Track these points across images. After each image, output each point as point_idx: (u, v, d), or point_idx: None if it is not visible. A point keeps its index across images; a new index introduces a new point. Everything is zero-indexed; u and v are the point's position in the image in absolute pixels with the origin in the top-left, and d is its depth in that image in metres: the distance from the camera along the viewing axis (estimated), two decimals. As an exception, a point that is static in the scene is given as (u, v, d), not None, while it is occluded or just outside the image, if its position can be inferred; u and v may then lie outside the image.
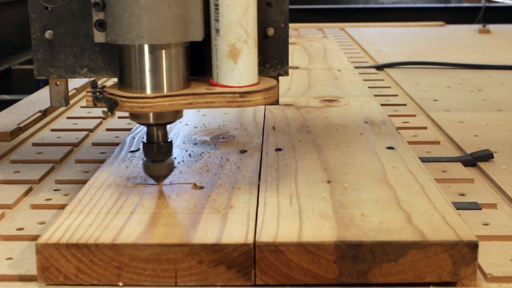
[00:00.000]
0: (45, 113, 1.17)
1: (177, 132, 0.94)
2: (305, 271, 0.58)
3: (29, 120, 1.10)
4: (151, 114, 0.68)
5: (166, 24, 0.64)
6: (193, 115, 1.03)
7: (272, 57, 0.73)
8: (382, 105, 1.15)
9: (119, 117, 1.16)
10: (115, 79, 0.69)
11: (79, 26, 0.70)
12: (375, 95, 1.23)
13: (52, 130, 1.09)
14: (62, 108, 1.23)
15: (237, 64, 0.66)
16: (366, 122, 0.97)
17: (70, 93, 1.31)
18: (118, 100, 0.65)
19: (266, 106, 1.10)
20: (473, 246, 0.58)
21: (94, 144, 1.00)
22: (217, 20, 0.65)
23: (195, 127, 0.96)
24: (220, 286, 0.59)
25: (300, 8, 2.89)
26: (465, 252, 0.58)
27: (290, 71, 1.44)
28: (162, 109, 0.66)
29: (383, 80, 1.48)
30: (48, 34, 0.70)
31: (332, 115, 1.03)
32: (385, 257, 0.58)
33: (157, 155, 0.70)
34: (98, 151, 0.96)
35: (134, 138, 0.90)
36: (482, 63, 1.66)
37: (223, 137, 0.91)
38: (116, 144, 0.97)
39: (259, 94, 0.66)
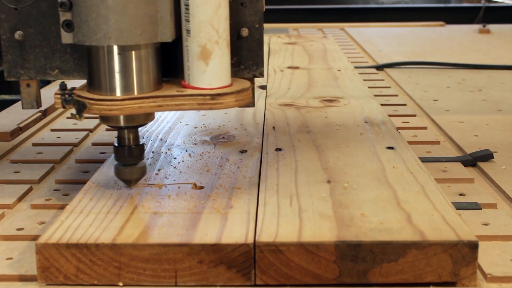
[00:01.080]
0: (45, 113, 1.17)
1: (177, 132, 0.94)
2: (305, 271, 0.58)
3: (29, 120, 1.10)
4: (121, 117, 0.67)
5: (134, 24, 0.62)
6: (193, 115, 1.03)
7: (247, 58, 0.72)
8: (382, 105, 1.15)
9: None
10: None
11: (49, 26, 0.69)
12: (375, 95, 1.23)
13: (52, 130, 1.09)
14: (62, 108, 1.23)
15: (209, 66, 0.65)
16: (366, 122, 0.97)
17: (70, 93, 1.31)
18: (86, 103, 0.64)
19: (267, 106, 1.10)
20: (473, 246, 0.58)
21: (94, 144, 1.00)
22: (187, 21, 0.64)
23: (195, 127, 0.96)
24: (220, 286, 0.59)
25: (300, 8, 2.89)
26: (465, 252, 0.58)
27: (290, 71, 1.44)
28: (131, 111, 0.64)
29: (383, 80, 1.48)
30: (17, 34, 0.69)
31: (332, 115, 1.03)
32: (385, 257, 0.58)
33: (129, 158, 0.68)
34: (98, 151, 0.96)
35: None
36: (482, 63, 1.66)
37: (223, 137, 0.91)
38: (116, 144, 0.97)
39: (230, 96, 0.65)
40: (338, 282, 0.58)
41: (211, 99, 0.65)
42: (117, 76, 0.64)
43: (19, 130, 1.06)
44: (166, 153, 0.84)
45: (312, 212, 0.64)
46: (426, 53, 1.86)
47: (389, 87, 1.40)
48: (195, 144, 0.88)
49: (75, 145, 1.01)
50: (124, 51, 0.64)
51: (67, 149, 0.97)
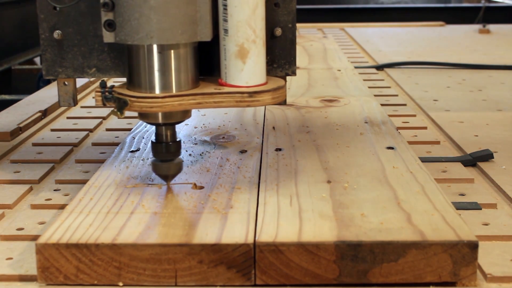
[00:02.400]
0: (45, 113, 1.17)
1: (177, 132, 0.93)
2: (305, 271, 0.58)
3: (29, 120, 1.10)
4: (160, 114, 0.68)
5: (175, 24, 0.64)
6: (193, 115, 1.03)
7: (280, 57, 0.73)
8: (382, 105, 1.15)
9: (119, 117, 1.16)
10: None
11: (88, 26, 0.71)
12: (375, 95, 1.23)
13: (52, 130, 1.09)
14: (62, 108, 1.23)
15: (246, 64, 0.66)
16: (366, 122, 0.97)
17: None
18: (127, 100, 0.66)
19: (266, 106, 1.10)
20: (473, 246, 0.58)
21: (94, 144, 1.00)
22: (225, 20, 0.65)
23: (195, 127, 0.96)
24: (220, 286, 0.59)
25: (300, 8, 2.88)
26: (465, 252, 0.58)
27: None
28: (171, 108, 0.66)
29: (383, 80, 1.48)
30: (56, 34, 0.71)
31: (332, 115, 1.03)
32: (385, 257, 0.58)
33: (166, 154, 0.70)
34: (98, 151, 0.96)
35: (134, 138, 0.90)
36: (482, 63, 1.66)
37: (223, 137, 0.91)
38: (116, 144, 0.97)
39: (267, 93, 0.67)
40: (338, 282, 0.58)
41: (248, 97, 0.66)
42: (157, 74, 0.66)
43: (19, 130, 1.06)
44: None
45: (312, 212, 0.64)
46: (426, 53, 1.86)
47: (389, 87, 1.40)
48: (195, 144, 0.88)
49: (75, 145, 1.01)
50: (164, 50, 0.66)
51: (67, 149, 0.97)
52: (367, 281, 0.58)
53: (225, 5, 0.65)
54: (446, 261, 0.58)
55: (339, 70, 1.45)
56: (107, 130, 1.08)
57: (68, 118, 1.16)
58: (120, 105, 0.66)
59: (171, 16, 0.64)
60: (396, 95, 1.32)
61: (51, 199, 0.78)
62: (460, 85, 1.43)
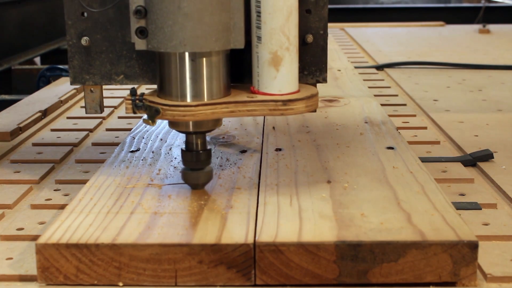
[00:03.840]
0: (45, 113, 1.17)
1: (177, 132, 0.93)
2: (305, 271, 0.58)
3: (29, 120, 1.10)
4: (191, 122, 0.68)
5: (209, 31, 0.63)
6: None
7: (311, 64, 0.72)
8: (382, 105, 1.15)
9: (119, 117, 1.16)
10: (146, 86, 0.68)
11: (116, 32, 0.70)
12: (375, 95, 1.23)
13: (52, 130, 1.09)
14: (62, 108, 1.23)
15: (279, 72, 0.65)
16: (366, 122, 0.97)
17: (69, 93, 1.31)
18: (159, 108, 0.65)
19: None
20: (473, 246, 0.58)
21: (94, 144, 1.00)
22: (258, 28, 0.65)
23: (195, 127, 0.96)
24: (220, 286, 0.59)
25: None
26: (465, 252, 0.58)
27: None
28: (204, 117, 0.65)
29: (383, 80, 1.48)
30: (84, 40, 0.70)
31: (332, 115, 1.03)
32: (385, 257, 0.58)
33: (196, 163, 0.69)
34: (98, 151, 0.96)
35: (134, 138, 0.90)
36: (482, 63, 1.66)
37: (223, 137, 0.91)
38: (116, 144, 0.97)
39: (301, 102, 0.66)
40: (338, 282, 0.58)
41: (282, 105, 0.65)
42: (189, 82, 0.65)
43: (19, 130, 1.06)
44: (166, 153, 0.84)
45: (312, 212, 0.64)
46: (426, 53, 1.86)
47: (389, 87, 1.40)
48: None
49: (75, 145, 1.01)
50: (196, 57, 0.65)
51: (67, 149, 0.97)
52: (367, 281, 0.58)
53: (259, 12, 0.64)
54: (446, 261, 0.58)
55: (339, 70, 1.45)
56: (107, 130, 1.08)
57: (68, 118, 1.16)
58: (152, 114, 0.65)
59: (205, 23, 0.63)
60: (396, 95, 1.32)
61: (51, 199, 0.78)
62: (460, 85, 1.43)
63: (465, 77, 1.52)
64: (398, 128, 0.96)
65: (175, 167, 0.78)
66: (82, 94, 1.35)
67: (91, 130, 1.09)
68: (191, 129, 0.68)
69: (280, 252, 0.58)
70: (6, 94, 1.72)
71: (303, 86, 0.70)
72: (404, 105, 1.23)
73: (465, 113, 1.18)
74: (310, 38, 0.71)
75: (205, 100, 0.66)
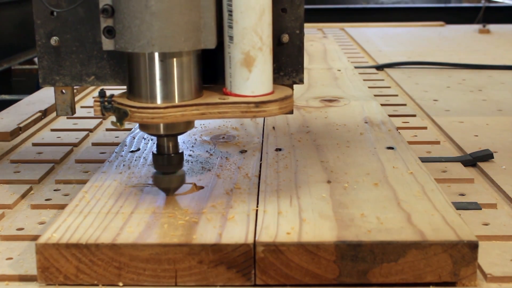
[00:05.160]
0: (45, 113, 1.17)
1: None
2: (305, 271, 0.58)
3: (29, 120, 1.10)
4: (161, 125, 0.66)
5: (178, 31, 0.61)
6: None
7: (287, 64, 0.70)
8: (382, 105, 1.15)
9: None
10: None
11: (86, 32, 0.68)
12: (375, 95, 1.23)
13: (52, 130, 1.09)
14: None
15: (252, 73, 0.64)
16: (366, 122, 0.97)
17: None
18: (128, 110, 0.63)
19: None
20: (473, 246, 0.58)
21: (94, 144, 1.00)
22: (230, 27, 0.63)
23: (195, 127, 0.96)
24: (220, 286, 0.59)
25: (300, 8, 2.88)
26: (465, 252, 0.58)
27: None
28: (174, 120, 0.63)
29: (383, 80, 1.48)
30: (53, 40, 0.68)
31: (332, 115, 1.03)
32: (385, 257, 0.58)
33: (168, 167, 0.68)
34: (98, 151, 0.96)
35: (134, 138, 0.90)
36: (482, 63, 1.66)
37: (223, 137, 0.91)
38: (116, 144, 0.97)
39: (274, 104, 0.64)
40: (338, 282, 0.58)
41: (255, 107, 0.63)
42: (158, 84, 0.63)
43: (19, 130, 1.06)
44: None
45: (312, 212, 0.64)
46: (426, 53, 1.86)
47: (389, 87, 1.40)
48: (195, 144, 0.88)
49: (75, 145, 1.01)
50: (166, 58, 0.63)
51: (67, 149, 0.97)
52: (367, 281, 0.58)
53: (231, 11, 0.62)
54: (446, 261, 0.58)
55: (339, 70, 1.45)
56: (107, 130, 1.08)
57: (68, 118, 1.16)
58: (120, 116, 0.64)
59: (174, 22, 0.61)
60: (396, 95, 1.32)
61: (51, 199, 0.78)
62: (460, 85, 1.43)
63: (465, 77, 1.52)
64: (398, 128, 0.96)
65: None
66: (82, 94, 1.35)
67: (91, 130, 1.09)
68: (161, 131, 0.66)
69: (280, 252, 0.58)
70: (6, 94, 1.72)
71: (278, 87, 0.68)
72: (404, 105, 1.23)
73: (465, 113, 1.18)
74: (286, 38, 0.69)
75: (176, 102, 0.64)
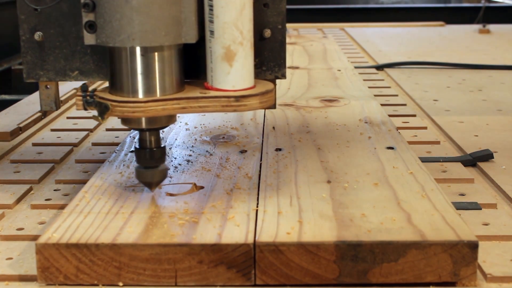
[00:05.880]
0: (45, 113, 1.17)
1: (177, 132, 0.94)
2: (305, 271, 0.58)
3: (29, 120, 1.10)
4: (143, 119, 0.66)
5: (159, 25, 0.62)
6: (193, 115, 1.03)
7: (269, 59, 0.71)
8: (382, 105, 1.15)
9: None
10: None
11: (70, 27, 0.68)
12: (375, 95, 1.23)
13: (52, 130, 1.09)
14: (62, 108, 1.23)
15: (232, 67, 0.64)
16: (366, 122, 0.97)
17: (69, 93, 1.31)
18: (109, 105, 0.63)
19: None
20: (473, 246, 0.58)
21: (94, 144, 1.00)
22: (211, 22, 0.63)
23: (195, 127, 0.96)
24: (220, 286, 0.59)
25: (300, 8, 2.89)
26: (465, 252, 0.58)
27: (290, 71, 1.44)
28: (155, 113, 0.64)
29: (383, 80, 1.48)
30: (37, 35, 0.68)
31: (332, 115, 1.03)
32: (385, 257, 0.58)
33: (150, 161, 0.68)
34: (98, 151, 0.96)
35: (134, 138, 0.90)
36: (482, 63, 1.66)
37: (223, 137, 0.91)
38: (116, 144, 0.97)
39: (255, 98, 0.64)
40: (338, 282, 0.58)
41: (235, 101, 0.64)
42: (140, 78, 0.64)
43: (19, 130, 1.06)
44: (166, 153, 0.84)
45: (312, 212, 0.64)
46: (426, 53, 1.86)
47: (389, 87, 1.40)
48: (195, 144, 0.88)
49: (75, 145, 1.01)
50: (147, 52, 0.63)
51: (67, 149, 0.97)
52: (367, 281, 0.58)
53: (211, 6, 0.63)
54: (446, 261, 0.58)
55: (339, 70, 1.45)
56: (107, 130, 1.08)
57: (68, 118, 1.16)
58: (102, 110, 0.64)
59: (154, 17, 0.61)
60: (396, 95, 1.32)
61: (51, 199, 0.78)
62: (460, 85, 1.43)
63: (465, 77, 1.52)
64: (398, 128, 0.96)
65: (175, 167, 0.78)
66: (82, 94, 1.35)
67: (91, 130, 1.09)
68: (143, 126, 0.66)
69: (280, 252, 0.58)
70: (6, 94, 1.72)
71: (260, 82, 0.68)
72: (404, 105, 1.23)
73: (465, 113, 1.18)
74: (268, 33, 0.70)
75: (157, 96, 0.64)
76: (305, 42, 1.90)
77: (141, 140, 0.68)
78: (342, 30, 2.40)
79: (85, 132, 1.07)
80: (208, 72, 0.66)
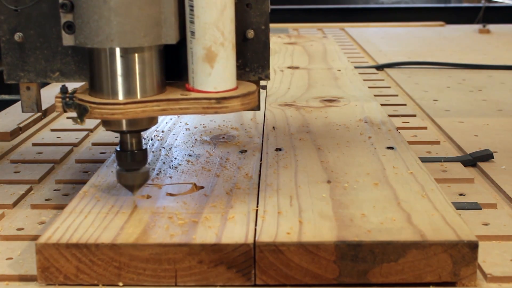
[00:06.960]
0: (45, 113, 1.17)
1: (177, 132, 0.94)
2: (305, 271, 0.58)
3: (29, 120, 1.10)
4: (123, 121, 0.65)
5: (137, 26, 0.61)
6: (192, 115, 1.03)
7: (252, 60, 0.70)
8: (382, 105, 1.15)
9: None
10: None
11: (50, 28, 0.67)
12: (375, 95, 1.23)
13: (52, 130, 1.09)
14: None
15: (214, 68, 0.63)
16: (366, 122, 0.97)
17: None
18: (88, 107, 0.62)
19: (267, 106, 1.10)
20: (473, 246, 0.58)
21: (94, 144, 1.00)
22: (192, 22, 0.62)
23: (195, 127, 0.96)
24: (220, 286, 0.59)
25: (300, 8, 2.89)
26: (465, 252, 0.58)
27: (290, 71, 1.44)
28: (134, 115, 0.63)
29: (383, 80, 1.48)
30: (17, 36, 0.67)
31: (332, 115, 1.03)
32: (385, 257, 0.58)
33: (131, 163, 0.67)
34: (98, 151, 0.96)
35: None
36: (482, 63, 1.66)
37: (223, 137, 0.91)
38: (116, 144, 0.97)
39: (236, 99, 0.63)
40: (338, 282, 0.58)
41: (216, 103, 0.63)
42: (119, 79, 0.63)
43: (19, 130, 1.06)
44: (166, 153, 0.84)
45: (312, 212, 0.64)
46: (426, 53, 1.86)
47: (389, 87, 1.40)
48: (195, 144, 0.88)
49: (75, 145, 1.01)
50: (127, 53, 0.62)
51: (67, 149, 0.97)
52: (367, 281, 0.58)
53: (192, 6, 0.62)
54: (446, 261, 0.58)
55: (339, 70, 1.45)
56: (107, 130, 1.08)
57: (68, 118, 1.16)
58: (81, 112, 0.63)
59: (133, 17, 0.60)
60: (396, 95, 1.32)
61: (51, 199, 0.78)
62: (460, 85, 1.43)
63: (465, 77, 1.52)
64: (398, 128, 0.96)
65: (175, 167, 0.78)
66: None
67: (91, 130, 1.09)
68: (124, 128, 0.66)
69: (280, 252, 0.58)
70: (6, 94, 1.71)
71: (243, 83, 0.67)
72: (404, 105, 1.23)
73: (465, 113, 1.18)
74: (251, 33, 0.69)
75: (137, 98, 0.63)
76: (305, 42, 1.90)
77: (122, 143, 0.67)
78: (342, 30, 2.40)
79: (85, 132, 1.07)
80: (189, 73, 0.65)
